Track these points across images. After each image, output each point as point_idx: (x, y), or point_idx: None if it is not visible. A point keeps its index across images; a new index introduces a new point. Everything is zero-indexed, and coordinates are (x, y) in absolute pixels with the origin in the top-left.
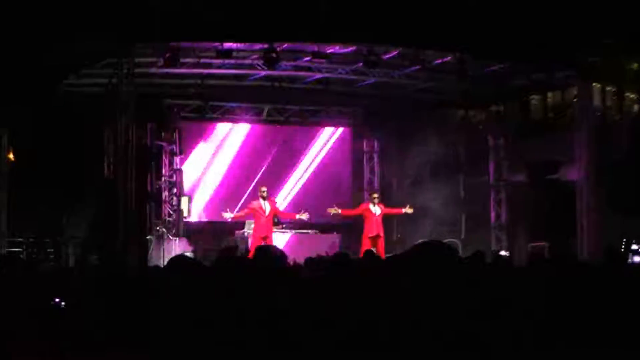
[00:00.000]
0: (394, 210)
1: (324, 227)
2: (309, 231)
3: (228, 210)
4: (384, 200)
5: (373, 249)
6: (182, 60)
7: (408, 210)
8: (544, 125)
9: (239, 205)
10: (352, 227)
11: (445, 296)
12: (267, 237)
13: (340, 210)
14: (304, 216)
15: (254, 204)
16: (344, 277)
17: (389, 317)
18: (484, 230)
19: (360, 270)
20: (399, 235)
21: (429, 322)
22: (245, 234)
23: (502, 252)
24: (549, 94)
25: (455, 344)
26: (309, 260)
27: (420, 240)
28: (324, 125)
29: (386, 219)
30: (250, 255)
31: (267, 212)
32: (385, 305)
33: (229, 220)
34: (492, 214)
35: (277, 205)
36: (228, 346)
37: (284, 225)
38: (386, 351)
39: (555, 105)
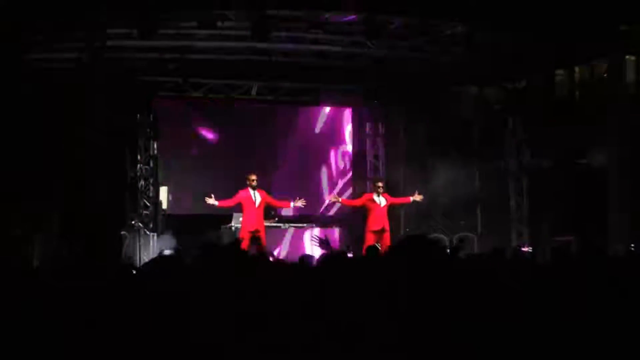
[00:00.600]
0: (401, 200)
1: (323, 221)
2: (305, 225)
3: (212, 196)
4: (390, 190)
5: (377, 245)
6: (159, 31)
7: (417, 197)
8: (570, 104)
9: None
10: (354, 221)
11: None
12: (258, 231)
13: (340, 199)
14: (299, 203)
15: (242, 192)
16: (330, 276)
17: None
18: (503, 223)
19: (350, 268)
20: (407, 230)
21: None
22: (233, 228)
23: (524, 248)
24: (577, 69)
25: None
26: (303, 257)
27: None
28: (320, 105)
29: (392, 211)
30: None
31: (258, 203)
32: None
33: (215, 206)
34: (512, 205)
35: (268, 194)
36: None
37: (276, 219)
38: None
39: (584, 81)
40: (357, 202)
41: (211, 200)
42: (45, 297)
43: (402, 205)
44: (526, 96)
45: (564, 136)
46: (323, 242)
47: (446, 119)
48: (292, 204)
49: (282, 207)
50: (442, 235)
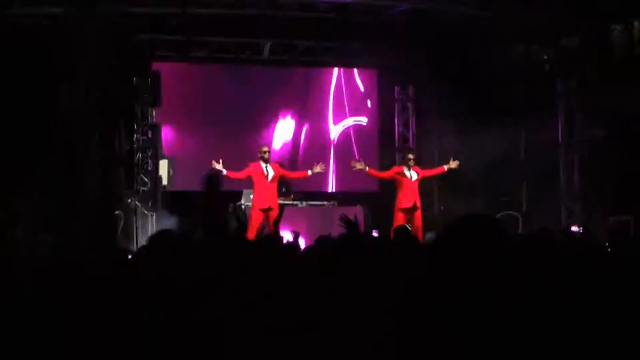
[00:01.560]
0: (434, 171)
1: (345, 198)
2: (325, 203)
3: (220, 162)
4: (421, 164)
5: (408, 225)
6: None
7: (453, 164)
8: (628, 64)
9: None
10: (379, 198)
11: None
12: (271, 209)
13: (367, 167)
14: (319, 168)
15: (253, 165)
16: (354, 261)
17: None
18: (551, 200)
19: (380, 251)
20: (441, 207)
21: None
22: (243, 206)
23: (574, 228)
24: (636, 24)
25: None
26: (321, 239)
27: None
28: (342, 66)
29: (424, 186)
30: (251, 232)
31: (270, 177)
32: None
33: (223, 174)
34: (562, 180)
35: (282, 167)
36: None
37: (292, 196)
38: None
39: None
40: (385, 174)
41: (219, 166)
42: (29, 290)
43: (434, 177)
44: (579, 55)
45: (621, 101)
46: (351, 224)
47: (487, 82)
48: (309, 172)
49: (299, 179)
50: (514, 213)
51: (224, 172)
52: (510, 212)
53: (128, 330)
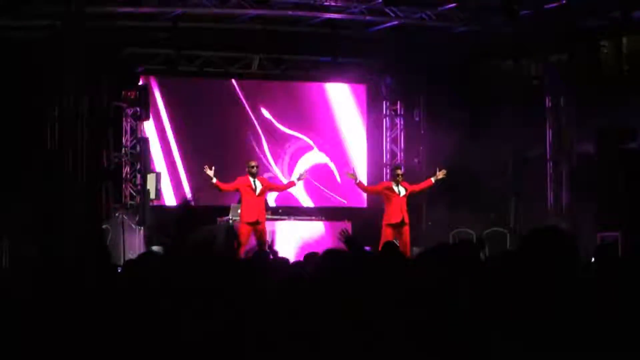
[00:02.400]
0: (422, 185)
1: (332, 214)
2: (312, 217)
3: (213, 169)
4: (409, 179)
5: (395, 240)
6: None
7: (440, 175)
8: (618, 80)
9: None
10: (366, 213)
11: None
12: (258, 223)
13: (358, 179)
14: (303, 175)
15: (241, 179)
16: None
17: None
18: (539, 216)
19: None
20: (429, 223)
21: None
22: (231, 221)
23: None
24: (624, 39)
25: None
26: (309, 256)
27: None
28: (331, 80)
29: (413, 202)
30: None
31: (258, 191)
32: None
33: (213, 183)
34: (550, 195)
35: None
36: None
37: (280, 211)
38: None
39: (633, 54)
40: (374, 189)
41: (210, 172)
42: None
43: (422, 191)
44: (568, 70)
45: (610, 117)
46: (349, 240)
47: (475, 97)
48: (296, 181)
49: (287, 188)
50: (502, 230)
51: (214, 180)
52: (498, 228)
53: (110, 342)
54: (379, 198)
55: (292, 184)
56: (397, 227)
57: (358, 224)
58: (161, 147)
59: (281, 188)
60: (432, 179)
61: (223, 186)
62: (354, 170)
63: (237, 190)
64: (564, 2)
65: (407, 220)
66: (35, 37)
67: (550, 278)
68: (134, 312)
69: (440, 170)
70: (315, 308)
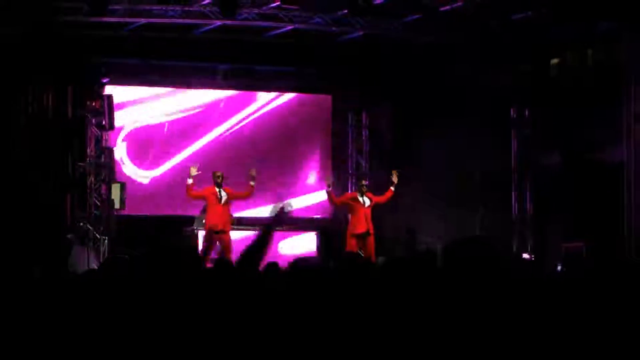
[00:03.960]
0: (386, 196)
1: (297, 224)
2: (277, 229)
3: (198, 168)
4: (374, 190)
5: (360, 251)
6: (112, 6)
7: (394, 178)
8: (582, 91)
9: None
10: (330, 223)
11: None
12: (223, 232)
13: (330, 187)
14: (253, 172)
15: (208, 188)
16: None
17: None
18: (504, 226)
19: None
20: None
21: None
22: (195, 230)
23: (525, 255)
24: (589, 51)
25: None
26: (269, 265)
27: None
28: (295, 91)
29: (377, 212)
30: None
31: (223, 200)
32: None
33: (189, 183)
34: (515, 206)
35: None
36: None
37: (244, 222)
38: None
39: (598, 66)
40: (339, 200)
41: (193, 171)
42: None
43: (387, 201)
44: (533, 81)
45: (574, 128)
46: (279, 216)
47: (442, 109)
48: (251, 182)
49: (248, 194)
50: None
51: (190, 180)
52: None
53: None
54: (343, 209)
55: (250, 187)
56: (362, 237)
57: (323, 235)
58: (126, 156)
59: (244, 195)
60: (392, 188)
61: (192, 191)
62: (330, 177)
63: (203, 197)
64: (529, 13)
65: (371, 230)
66: (2, 44)
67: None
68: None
69: (393, 173)
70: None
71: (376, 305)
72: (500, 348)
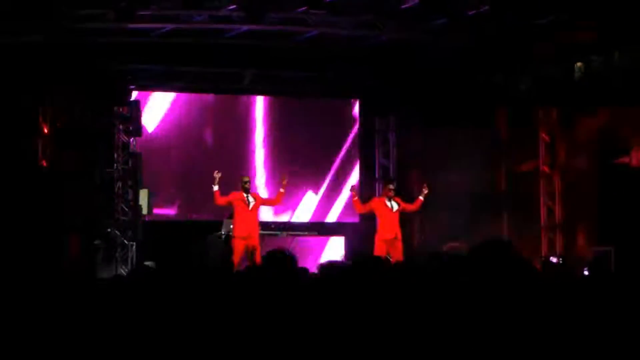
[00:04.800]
0: (415, 205)
1: (324, 229)
2: (305, 232)
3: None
4: (402, 195)
5: (388, 255)
6: (139, 12)
7: (425, 191)
8: (610, 93)
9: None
10: (358, 229)
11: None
12: (250, 237)
13: (356, 197)
14: (284, 180)
15: (235, 194)
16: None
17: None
18: (532, 231)
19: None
20: (423, 237)
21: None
22: (223, 236)
23: (553, 259)
24: (616, 53)
25: None
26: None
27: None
28: (321, 95)
29: (404, 217)
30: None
31: (251, 206)
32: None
33: (214, 190)
34: (543, 211)
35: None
36: None
37: (273, 225)
38: None
39: (625, 67)
40: (366, 208)
41: (217, 177)
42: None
43: (417, 210)
44: (560, 84)
45: (603, 131)
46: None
47: (468, 113)
48: (281, 189)
49: (276, 201)
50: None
51: (216, 187)
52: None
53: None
54: (372, 213)
55: (281, 194)
56: (390, 242)
57: (351, 239)
58: (154, 162)
59: (273, 201)
60: (421, 198)
61: (219, 198)
62: (355, 188)
63: (230, 203)
64: (555, 17)
65: (399, 235)
66: (26, 53)
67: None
68: (124, 327)
69: (425, 188)
70: (312, 323)
71: (399, 306)
72: (525, 348)
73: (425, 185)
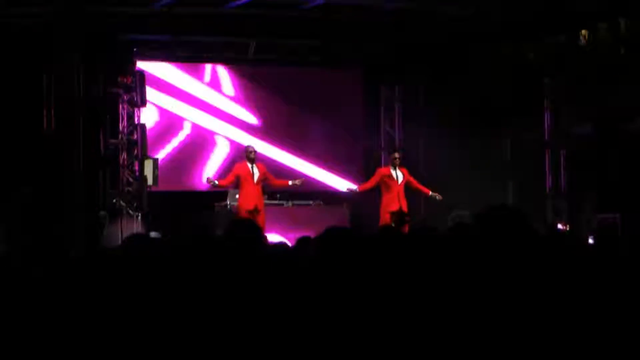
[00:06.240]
0: (419, 186)
1: (330, 198)
2: (310, 202)
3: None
4: (407, 165)
5: (393, 225)
6: None
7: (437, 196)
8: (616, 62)
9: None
10: (364, 198)
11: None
12: (257, 210)
13: (356, 187)
14: (298, 182)
15: (239, 165)
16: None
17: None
18: (538, 200)
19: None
20: (439, 196)
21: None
22: (229, 206)
23: (560, 226)
24: (622, 22)
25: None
26: (301, 240)
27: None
28: (328, 65)
29: (408, 192)
30: None
31: (256, 178)
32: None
33: (216, 184)
34: (549, 179)
35: (268, 171)
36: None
37: (278, 196)
38: None
39: (631, 37)
40: (373, 182)
41: (211, 179)
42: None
43: (416, 190)
44: (567, 52)
45: (608, 98)
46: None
47: (474, 81)
48: (290, 182)
49: (280, 186)
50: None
51: (217, 182)
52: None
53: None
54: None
55: (286, 183)
56: (396, 214)
57: (355, 208)
58: (159, 132)
59: (275, 184)
60: (430, 193)
61: (226, 182)
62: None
63: (237, 177)
64: None
65: (405, 208)
66: (31, 23)
67: (503, 250)
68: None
69: (438, 195)
70: (314, 293)
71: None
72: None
73: (439, 196)
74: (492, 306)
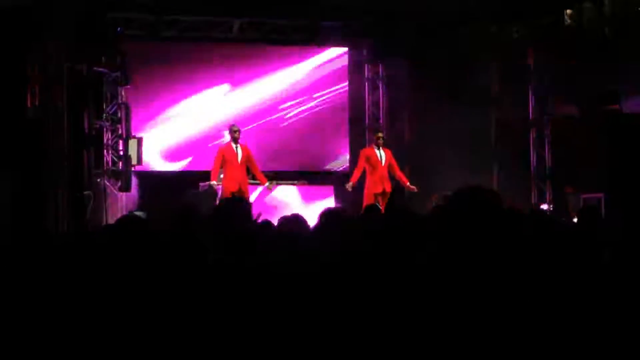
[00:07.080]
0: (398, 173)
1: (314, 178)
2: (295, 182)
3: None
4: (392, 145)
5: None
6: None
7: (413, 188)
8: (600, 42)
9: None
10: (349, 178)
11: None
12: (241, 191)
13: (352, 182)
14: (271, 186)
15: (223, 147)
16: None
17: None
18: (522, 180)
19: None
20: (414, 189)
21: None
22: (215, 186)
23: (544, 206)
24: (607, 2)
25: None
26: (284, 220)
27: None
28: (312, 44)
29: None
30: None
31: (240, 157)
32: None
33: (215, 184)
34: (533, 158)
35: (251, 154)
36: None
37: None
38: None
39: (615, 16)
40: (360, 167)
41: (214, 183)
42: None
43: (395, 176)
44: (551, 32)
45: (593, 79)
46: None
47: (458, 61)
48: (267, 184)
49: (259, 177)
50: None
51: (215, 182)
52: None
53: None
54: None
55: (264, 180)
56: (380, 196)
57: (340, 188)
58: (143, 111)
59: (254, 173)
60: (407, 183)
61: (216, 169)
62: (349, 183)
63: (224, 158)
64: None
65: (388, 190)
66: (14, 2)
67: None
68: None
69: (415, 188)
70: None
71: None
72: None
73: (414, 188)
74: (468, 287)
